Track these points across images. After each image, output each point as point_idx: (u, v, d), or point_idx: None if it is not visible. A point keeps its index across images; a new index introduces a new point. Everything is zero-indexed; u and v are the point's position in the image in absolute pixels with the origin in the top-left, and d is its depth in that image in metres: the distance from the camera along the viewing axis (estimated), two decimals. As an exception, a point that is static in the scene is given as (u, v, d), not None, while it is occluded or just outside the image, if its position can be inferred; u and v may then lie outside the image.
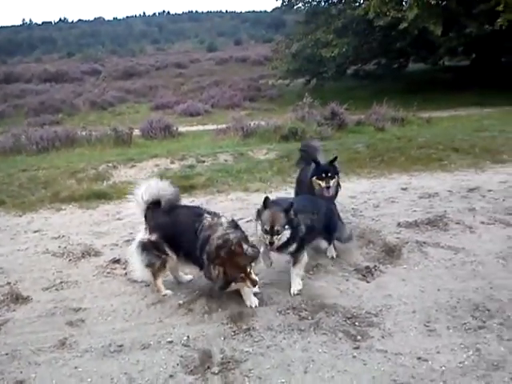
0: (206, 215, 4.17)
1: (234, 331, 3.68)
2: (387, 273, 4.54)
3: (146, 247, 4.23)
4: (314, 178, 5.17)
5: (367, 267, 4.61)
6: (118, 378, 3.22)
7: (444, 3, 20.04)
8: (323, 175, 5.11)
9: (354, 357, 3.31)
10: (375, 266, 4.65)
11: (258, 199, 7.15)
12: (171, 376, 3.22)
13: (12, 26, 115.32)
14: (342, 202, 6.75)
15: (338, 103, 12.85)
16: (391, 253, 4.93)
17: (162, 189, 4.36)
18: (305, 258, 4.32)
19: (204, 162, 9.15)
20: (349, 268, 4.67)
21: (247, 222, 6.13)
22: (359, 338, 3.51)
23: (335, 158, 5.37)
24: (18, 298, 4.40)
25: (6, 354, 3.56)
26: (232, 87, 26.29)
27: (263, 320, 3.80)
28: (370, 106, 13.84)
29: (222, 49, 61.38)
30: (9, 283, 4.77)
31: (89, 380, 3.23)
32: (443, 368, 3.15)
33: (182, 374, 3.25)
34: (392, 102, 13.73)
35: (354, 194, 7.14)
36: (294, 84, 24.81)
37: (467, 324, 3.62)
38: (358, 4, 22.23)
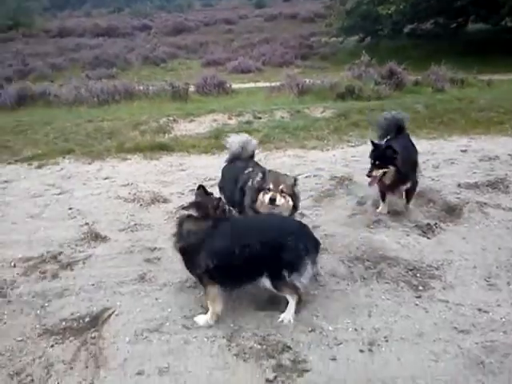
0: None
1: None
2: (448, 230, 4.64)
3: None
4: None
5: (428, 224, 4.72)
6: (194, 309, 3.54)
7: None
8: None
9: (416, 305, 3.49)
10: (436, 223, 4.75)
11: (315, 156, 7.35)
12: (245, 312, 3.50)
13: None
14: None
15: (396, 62, 12.58)
16: (452, 212, 5.02)
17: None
18: None
19: (260, 118, 9.30)
20: (409, 224, 4.80)
21: (306, 177, 6.32)
22: (421, 288, 3.69)
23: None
24: (97, 237, 4.80)
25: (93, 285, 3.93)
26: (283, 45, 25.94)
27: (327, 267, 4.01)
28: (427, 66, 13.48)
29: (270, 5, 60.03)
30: (87, 223, 5.17)
31: (169, 310, 3.55)
32: (503, 320, 3.29)
33: (254, 310, 3.52)
34: (450, 63, 13.31)
35: (412, 154, 7.16)
36: (347, 42, 24.27)
37: (528, 281, 3.72)
38: (418, -41, 21.20)
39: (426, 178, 6.07)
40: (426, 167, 6.54)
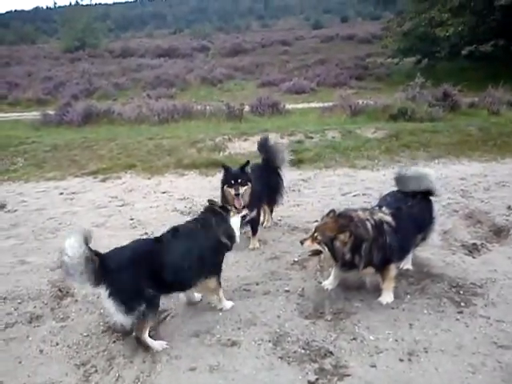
0: None
1: (344, 288, 4.10)
2: (493, 251, 4.70)
3: None
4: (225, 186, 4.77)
5: (474, 244, 4.79)
6: (244, 315, 3.79)
7: None
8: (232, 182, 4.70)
9: (457, 319, 3.59)
10: (482, 243, 4.82)
11: (364, 175, 7.51)
12: (290, 319, 3.72)
13: (126, 3, 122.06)
14: (451, 183, 6.87)
15: (451, 84, 12.52)
16: (499, 233, 5.06)
17: None
18: None
19: (312, 138, 9.54)
20: (455, 243, 4.88)
21: (354, 196, 6.50)
22: (463, 304, 3.78)
23: (247, 163, 4.85)
24: (155, 247, 5.14)
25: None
26: (338, 65, 26.16)
27: (372, 282, 4.16)
28: (484, 88, 13.28)
29: (327, 26, 60.52)
30: (146, 233, 5.57)
31: (219, 315, 3.81)
32: (546, 339, 3.33)
33: (299, 317, 3.74)
34: (508, 86, 13.08)
35: (464, 176, 7.19)
36: (403, 63, 24.19)
37: None
38: (478, -19, 20.97)
39: (475, 199, 6.11)
40: (477, 189, 6.57)
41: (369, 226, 3.73)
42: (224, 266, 4.58)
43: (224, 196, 4.79)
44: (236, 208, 4.46)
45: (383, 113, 11.19)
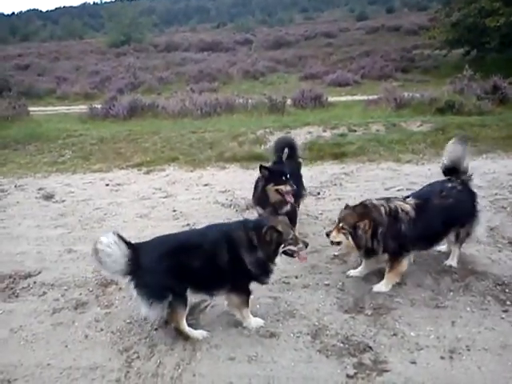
0: None
1: (386, 283, 4.05)
2: (542, 249, 4.52)
3: None
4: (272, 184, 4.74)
5: (521, 241, 4.62)
6: (283, 307, 3.80)
7: None
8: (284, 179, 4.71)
9: (502, 318, 3.48)
10: (529, 241, 4.64)
11: (409, 170, 7.36)
12: (329, 313, 3.70)
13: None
14: (499, 178, 6.65)
15: (501, 77, 12.07)
16: (548, 230, 4.85)
17: None
18: None
19: (355, 131, 9.42)
20: (502, 241, 4.72)
21: (398, 190, 6.37)
22: (508, 303, 3.66)
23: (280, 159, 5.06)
24: (197, 237, 5.22)
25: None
26: (383, 57, 25.65)
27: (414, 278, 4.09)
28: (539, 80, 12.74)
29: (372, 17, 59.34)
30: (188, 224, 5.67)
31: (257, 307, 3.83)
32: None
33: (338, 311, 3.71)
34: None
35: (511, 170, 6.93)
36: (451, 55, 23.48)
37: None
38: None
39: (527, 196, 5.88)
40: (528, 185, 6.32)
41: (383, 211, 3.82)
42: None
43: (266, 195, 4.78)
44: (291, 204, 4.69)
45: (429, 106, 10.91)
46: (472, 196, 4.18)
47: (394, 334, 3.38)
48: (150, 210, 6.35)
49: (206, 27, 68.86)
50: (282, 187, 4.69)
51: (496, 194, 5.98)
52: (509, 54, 21.82)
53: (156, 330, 3.63)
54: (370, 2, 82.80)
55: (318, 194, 6.59)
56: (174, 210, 6.23)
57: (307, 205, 5.99)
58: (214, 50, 37.23)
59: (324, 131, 9.55)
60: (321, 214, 5.84)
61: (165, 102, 14.44)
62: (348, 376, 3.01)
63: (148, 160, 8.80)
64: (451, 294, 3.84)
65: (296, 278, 4.26)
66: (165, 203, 6.59)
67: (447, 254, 4.35)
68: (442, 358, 3.11)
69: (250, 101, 13.64)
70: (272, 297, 3.96)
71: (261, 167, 4.84)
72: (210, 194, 6.82)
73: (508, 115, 9.95)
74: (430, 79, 19.24)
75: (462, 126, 8.97)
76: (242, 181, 7.34)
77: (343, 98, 15.80)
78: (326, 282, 4.12)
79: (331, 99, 14.61)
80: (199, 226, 5.45)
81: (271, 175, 4.76)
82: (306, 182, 5.85)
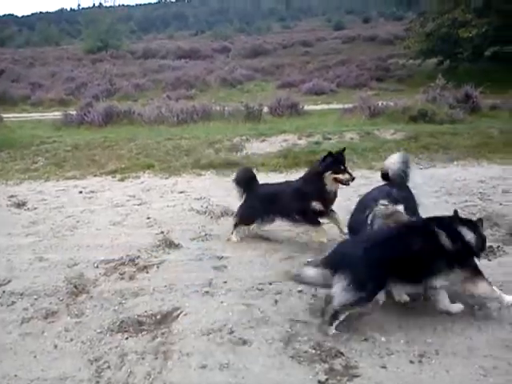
0: None
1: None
2: (510, 253, 4.63)
3: None
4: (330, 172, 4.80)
5: (490, 247, 4.69)
6: (256, 314, 3.80)
7: None
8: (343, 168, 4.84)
9: (471, 323, 3.53)
10: (498, 246, 4.75)
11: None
12: (302, 319, 3.71)
13: (149, 4, 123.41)
14: (470, 185, 6.79)
15: (473, 86, 12.37)
16: (516, 236, 4.97)
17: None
18: None
19: (330, 139, 9.52)
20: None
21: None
22: (477, 307, 3.70)
23: (344, 149, 5.06)
24: (171, 245, 5.21)
25: (165, 286, 4.31)
26: (359, 66, 26.04)
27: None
28: (507, 90, 13.12)
29: (349, 27, 60.25)
30: (162, 232, 5.63)
31: (230, 314, 3.82)
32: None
33: (311, 317, 3.72)
34: (534, 88, 12.87)
35: (483, 178, 7.08)
36: (425, 64, 23.96)
37: None
38: (503, -20, 20.67)
39: (494, 202, 6.02)
40: (496, 191, 6.47)
41: None
42: (238, 265, 4.68)
43: (324, 184, 4.82)
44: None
45: (403, 114, 11.10)
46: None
47: (365, 339, 3.41)
48: (124, 217, 6.29)
49: (184, 35, 69.00)
50: (340, 176, 4.80)
51: (466, 201, 6.10)
52: (481, 64, 22.41)
53: (127, 339, 3.59)
54: (347, 11, 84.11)
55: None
56: (148, 218, 6.18)
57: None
58: (192, 58, 37.23)
59: (299, 139, 9.63)
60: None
61: (141, 108, 14.36)
62: (319, 382, 3.02)
63: (123, 167, 8.72)
64: (422, 300, 3.89)
65: (270, 284, 4.27)
66: (139, 210, 6.53)
67: None
68: (412, 362, 3.15)
69: (226, 108, 13.66)
70: (245, 304, 3.95)
71: (329, 153, 4.89)
72: (185, 201, 6.79)
73: (479, 124, 10.19)
74: (404, 88, 19.58)
75: (434, 135, 9.16)
76: (218, 188, 7.32)
77: (319, 107, 15.95)
78: (299, 289, 4.13)
79: (307, 107, 14.74)
80: (173, 234, 5.50)
81: (333, 161, 4.80)
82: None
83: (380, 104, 12.21)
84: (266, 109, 13.84)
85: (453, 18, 20.51)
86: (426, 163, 8.02)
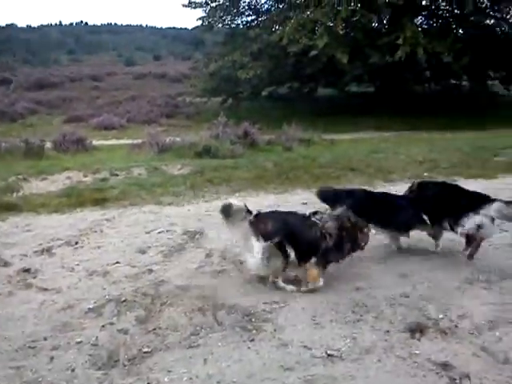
0: None
1: (142, 330, 3.98)
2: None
3: None
4: None
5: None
6: (27, 377, 3.40)
7: (351, 34, 21.66)
8: None
9: (249, 348, 3.69)
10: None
11: (169, 211, 7.56)
12: (81, 373, 3.46)
13: None
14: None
15: (251, 123, 13.54)
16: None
17: None
18: None
19: (117, 175, 9.34)
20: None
21: (159, 233, 6.50)
22: (254, 332, 3.91)
23: None
24: None
25: None
26: (149, 102, 26.39)
27: (169, 321, 4.11)
28: (281, 126, 14.65)
29: (140, 63, 60.90)
30: None
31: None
32: (323, 355, 3.63)
33: (91, 369, 3.48)
34: (302, 124, 14.66)
35: (260, 207, 7.63)
36: (211, 102, 25.43)
37: None
38: (273, 30, 23.37)
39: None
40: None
41: None
42: (9, 322, 4.17)
43: None
44: None
45: (189, 150, 11.55)
46: None
47: (149, 383, 3.32)
48: None
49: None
50: None
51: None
52: (258, 102, 24.80)
53: None
54: (137, 48, 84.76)
55: (76, 243, 6.23)
56: None
57: (63, 256, 5.62)
58: (-38, 89, 33.21)
59: (85, 176, 9.22)
60: (77, 264, 5.51)
61: None
62: None
63: None
64: (203, 331, 3.97)
65: (45, 339, 3.87)
66: None
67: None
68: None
69: (4, 144, 12.43)
70: (14, 367, 3.52)
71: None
72: None
73: (256, 157, 11.13)
74: (192, 124, 20.45)
75: (218, 169, 9.69)
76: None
77: (109, 142, 15.62)
78: (78, 340, 3.84)
79: (96, 143, 14.31)
80: None
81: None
82: (63, 231, 5.45)
83: (168, 140, 12.49)
84: (49, 144, 12.97)
85: (232, 60, 22.35)
86: (210, 196, 8.38)
